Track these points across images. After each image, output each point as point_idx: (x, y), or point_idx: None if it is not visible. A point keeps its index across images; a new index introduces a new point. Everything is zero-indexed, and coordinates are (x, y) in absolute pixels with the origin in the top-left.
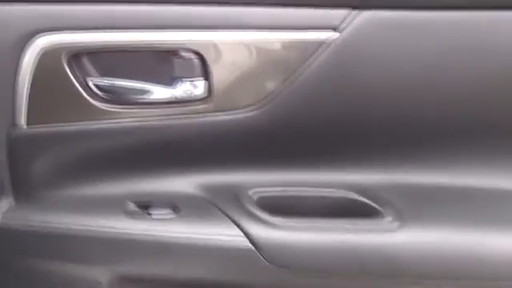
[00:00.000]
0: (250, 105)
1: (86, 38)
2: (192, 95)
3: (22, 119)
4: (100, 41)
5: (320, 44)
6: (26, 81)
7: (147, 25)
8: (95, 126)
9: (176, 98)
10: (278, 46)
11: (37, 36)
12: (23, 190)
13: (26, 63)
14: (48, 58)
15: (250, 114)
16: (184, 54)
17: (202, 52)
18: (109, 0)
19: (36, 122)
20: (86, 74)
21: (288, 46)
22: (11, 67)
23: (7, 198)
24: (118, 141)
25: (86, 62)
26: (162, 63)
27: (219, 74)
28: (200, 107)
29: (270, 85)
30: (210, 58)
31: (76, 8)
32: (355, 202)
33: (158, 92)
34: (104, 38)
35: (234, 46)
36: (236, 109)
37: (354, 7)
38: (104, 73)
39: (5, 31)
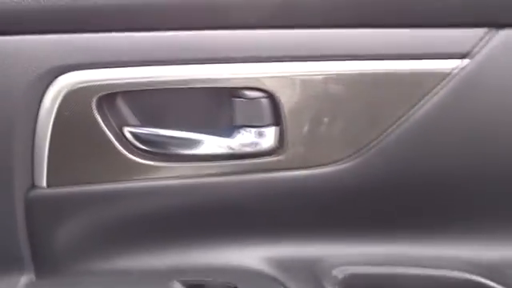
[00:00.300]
0: (340, 159)
1: (121, 75)
2: (257, 147)
3: (43, 179)
4: (139, 78)
5: (444, 76)
6: (47, 130)
7: (200, 57)
8: (132, 186)
9: (236, 150)
10: (382, 81)
11: (59, 74)
12: (45, 262)
13: (46, 109)
14: (73, 101)
15: (336, 168)
16: (247, 93)
17: (273, 90)
18: (150, 27)
19: (59, 182)
20: (121, 121)
21: (398, 79)
22: (28, 114)
23: (27, 272)
24: (160, 203)
25: (122, 106)
26: (218, 106)
27: (296, 118)
28: (267, 161)
29: (370, 132)
30: (283, 97)
31: (109, 36)
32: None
33: (213, 143)
34: (144, 75)
35: (318, 82)
36: (318, 165)
37: (492, 25)
38: (144, 119)
39: (20, 69)
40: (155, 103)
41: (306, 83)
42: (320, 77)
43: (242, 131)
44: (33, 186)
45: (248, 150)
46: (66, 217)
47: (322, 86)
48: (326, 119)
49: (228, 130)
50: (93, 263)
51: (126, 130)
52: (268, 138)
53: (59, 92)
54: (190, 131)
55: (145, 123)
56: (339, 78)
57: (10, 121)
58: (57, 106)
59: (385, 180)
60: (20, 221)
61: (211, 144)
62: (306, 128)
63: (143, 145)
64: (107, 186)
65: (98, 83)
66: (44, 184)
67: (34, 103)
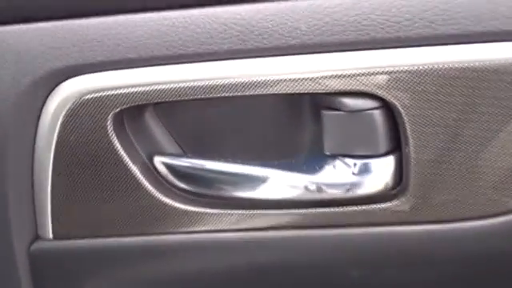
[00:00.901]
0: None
1: (149, 79)
2: (360, 189)
3: (48, 229)
4: (177, 82)
5: None
6: (48, 163)
7: (270, 44)
8: (168, 239)
9: (325, 193)
10: None
11: (61, 80)
12: None
13: (44, 131)
14: (81, 118)
15: (498, 222)
16: (346, 101)
17: (390, 95)
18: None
19: (69, 233)
20: (150, 148)
21: None
22: (22, 139)
23: None
24: (207, 264)
25: (152, 125)
26: (296, 123)
27: (429, 142)
28: (376, 211)
29: None
30: (406, 106)
31: (130, 20)
32: None
33: (288, 182)
34: (185, 77)
35: (471, 78)
36: (465, 217)
37: None
38: (184, 145)
39: (6, 74)
40: (201, 121)
41: (449, 81)
42: (475, 69)
43: (336, 163)
44: (37, 237)
45: (344, 192)
46: (80, 277)
47: (480, 84)
48: (483, 141)
49: (313, 161)
50: None
51: (158, 161)
52: (379, 174)
53: (61, 106)
54: (253, 164)
55: (185, 151)
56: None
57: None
58: (58, 126)
59: None
60: (25, 282)
61: (285, 183)
62: (446, 157)
63: (182, 182)
64: (132, 240)
65: (116, 91)
66: (50, 235)
67: (28, 123)
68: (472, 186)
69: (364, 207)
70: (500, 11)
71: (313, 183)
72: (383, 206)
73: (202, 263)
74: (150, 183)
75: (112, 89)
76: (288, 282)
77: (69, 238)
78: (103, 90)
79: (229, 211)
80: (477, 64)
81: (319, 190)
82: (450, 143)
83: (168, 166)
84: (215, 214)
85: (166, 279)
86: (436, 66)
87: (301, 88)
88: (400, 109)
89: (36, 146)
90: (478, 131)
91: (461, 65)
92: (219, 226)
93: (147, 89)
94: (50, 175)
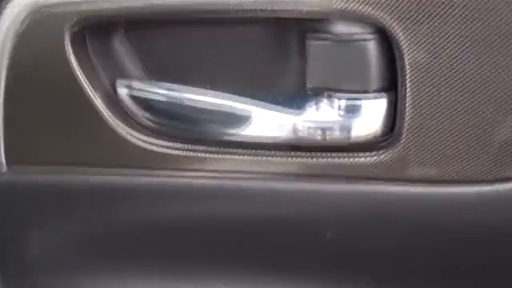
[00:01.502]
0: None
1: None
2: (346, 133)
3: (1, 159)
4: None
5: None
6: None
7: None
8: (130, 180)
9: (306, 137)
10: None
11: None
12: (10, 274)
13: None
14: (36, 36)
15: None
16: (334, 28)
17: (386, 20)
18: None
19: (23, 160)
20: (112, 71)
21: None
22: None
23: None
24: (172, 211)
25: (115, 45)
26: (276, 53)
27: (432, 81)
28: (364, 162)
29: None
30: (405, 34)
31: None
32: None
33: (266, 122)
34: None
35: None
36: (471, 180)
37: None
38: (152, 68)
39: None
40: (173, 41)
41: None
42: None
43: (318, 101)
44: None
45: (325, 136)
46: (36, 211)
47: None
48: (499, 86)
49: (294, 98)
50: (71, 280)
51: (122, 87)
52: (367, 116)
53: (12, 22)
54: (225, 97)
55: (155, 75)
56: None
57: None
58: (10, 45)
59: None
60: None
61: (264, 123)
62: (450, 103)
63: (150, 114)
64: (92, 178)
65: (76, 8)
66: (2, 161)
67: None
68: (478, 141)
69: (347, 157)
70: None
71: (296, 124)
72: (369, 157)
73: (164, 206)
74: (112, 112)
75: (71, 2)
76: (255, 235)
77: (23, 165)
78: (61, 2)
79: (201, 153)
80: None
81: (296, 130)
82: (456, 85)
83: (131, 94)
84: (189, 154)
85: (124, 221)
86: None
87: (284, 13)
88: (398, 34)
89: None
90: (497, 72)
91: None
92: (184, 166)
93: (112, 6)
94: (1, 100)
